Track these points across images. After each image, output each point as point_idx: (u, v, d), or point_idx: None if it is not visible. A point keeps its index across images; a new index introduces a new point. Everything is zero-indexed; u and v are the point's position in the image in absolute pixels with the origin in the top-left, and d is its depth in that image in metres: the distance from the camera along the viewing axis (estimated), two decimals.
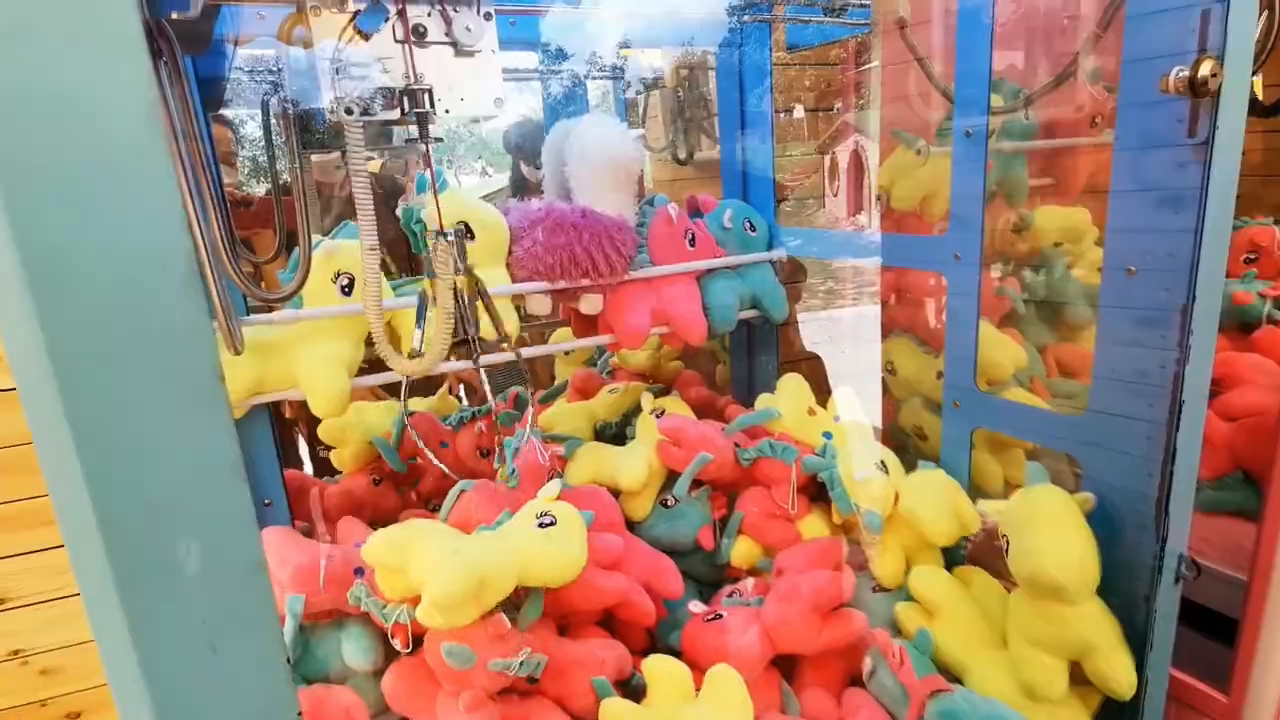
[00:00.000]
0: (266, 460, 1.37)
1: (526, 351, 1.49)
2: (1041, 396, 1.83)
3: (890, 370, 2.06)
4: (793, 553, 1.45)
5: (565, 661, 1.19)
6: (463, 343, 1.26)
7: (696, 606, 1.38)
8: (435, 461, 1.54)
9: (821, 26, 1.95)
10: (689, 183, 2.60)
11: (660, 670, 1.18)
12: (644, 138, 2.44)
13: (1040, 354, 1.98)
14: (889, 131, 2.03)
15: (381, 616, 1.17)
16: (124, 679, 0.43)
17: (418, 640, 1.17)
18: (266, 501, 1.40)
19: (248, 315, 1.30)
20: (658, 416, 1.59)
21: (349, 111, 1.04)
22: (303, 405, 1.35)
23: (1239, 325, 1.93)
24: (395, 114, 1.10)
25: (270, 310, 1.32)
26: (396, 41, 1.07)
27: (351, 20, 1.04)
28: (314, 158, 2.57)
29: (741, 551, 1.53)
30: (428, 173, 1.25)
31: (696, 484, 1.52)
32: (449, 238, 1.13)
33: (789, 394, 1.65)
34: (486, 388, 1.38)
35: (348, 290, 1.36)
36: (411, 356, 1.22)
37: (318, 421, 1.64)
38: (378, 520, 1.59)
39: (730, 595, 1.43)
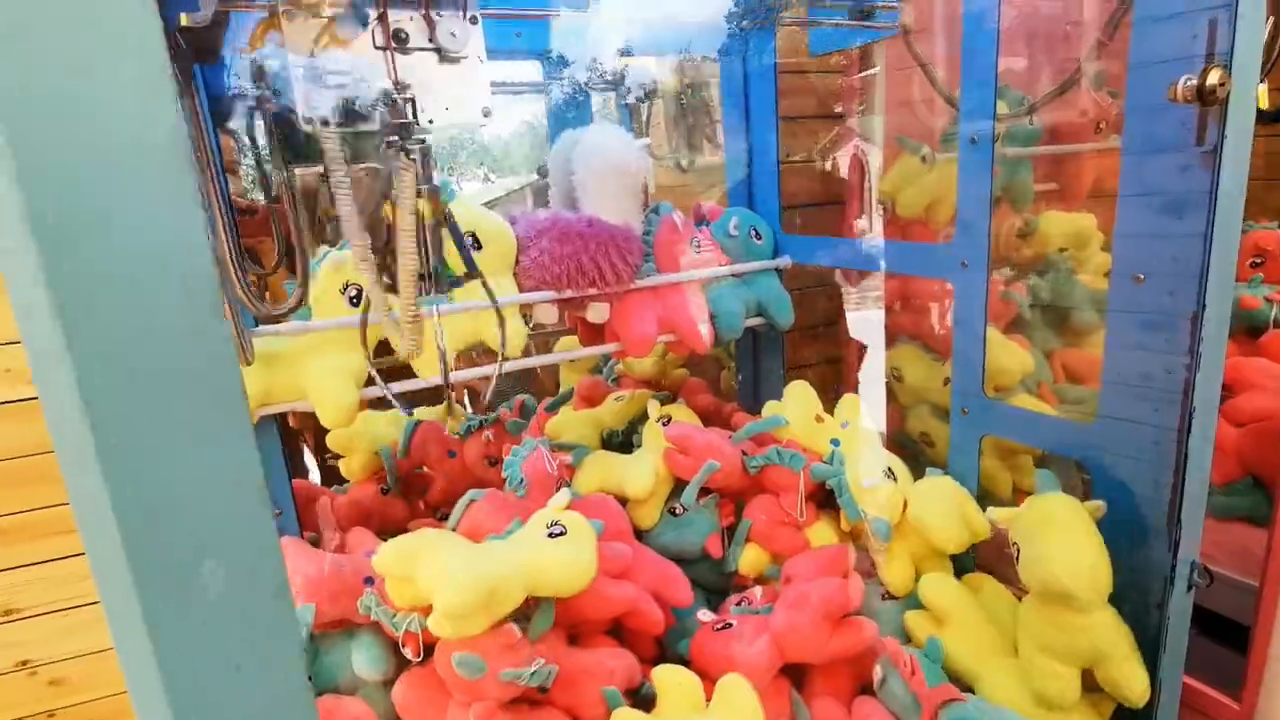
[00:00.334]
0: (275, 470, 1.38)
1: (532, 360, 1.49)
2: (1049, 403, 1.83)
3: (896, 376, 2.06)
4: (801, 560, 1.44)
5: (575, 671, 1.18)
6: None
7: (705, 615, 1.37)
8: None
9: (848, 31, 1.94)
10: (692, 190, 2.60)
11: (670, 680, 1.17)
12: (649, 146, 2.44)
13: (1046, 359, 1.98)
14: (893, 138, 2.03)
15: (392, 625, 1.17)
16: (147, 696, 0.43)
17: (429, 649, 1.16)
18: (276, 511, 1.40)
19: (255, 326, 1.31)
20: (664, 424, 1.59)
21: (325, 123, 0.99)
22: (308, 414, 1.35)
23: (1246, 330, 1.93)
24: (374, 125, 1.03)
25: (277, 321, 1.32)
26: (377, 48, 1.01)
27: (329, 25, 0.98)
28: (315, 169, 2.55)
29: (750, 559, 1.53)
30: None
31: (704, 492, 1.52)
32: (411, 155, 1.03)
33: (796, 401, 1.65)
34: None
35: (356, 301, 1.36)
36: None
37: (324, 430, 1.64)
38: (386, 529, 1.59)
39: (739, 603, 1.43)
